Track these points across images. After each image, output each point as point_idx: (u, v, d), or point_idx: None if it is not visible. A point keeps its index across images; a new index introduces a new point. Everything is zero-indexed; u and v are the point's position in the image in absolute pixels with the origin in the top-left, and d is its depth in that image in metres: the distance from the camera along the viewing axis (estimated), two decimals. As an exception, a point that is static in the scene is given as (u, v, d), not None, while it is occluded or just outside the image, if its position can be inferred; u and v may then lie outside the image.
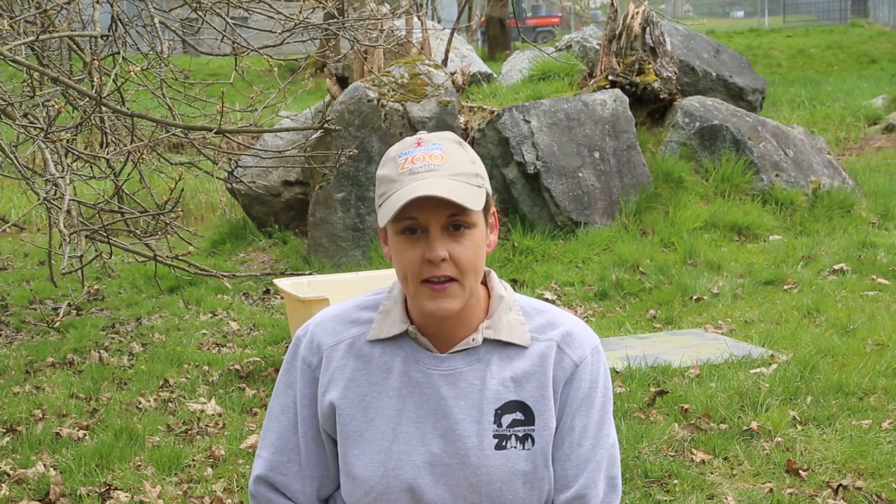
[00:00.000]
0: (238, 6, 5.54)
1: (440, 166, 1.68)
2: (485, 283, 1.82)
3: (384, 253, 1.80)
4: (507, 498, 1.72)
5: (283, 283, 5.43)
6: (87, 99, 4.71)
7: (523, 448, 1.73)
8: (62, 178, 3.99)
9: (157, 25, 4.90)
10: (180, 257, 4.90)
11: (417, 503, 1.73)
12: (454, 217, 1.67)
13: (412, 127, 7.76)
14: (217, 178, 6.78)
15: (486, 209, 1.73)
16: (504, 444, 1.72)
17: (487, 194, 1.73)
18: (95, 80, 4.23)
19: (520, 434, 1.73)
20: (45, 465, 4.21)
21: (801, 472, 3.77)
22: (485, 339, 1.77)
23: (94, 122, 5.14)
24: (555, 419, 1.75)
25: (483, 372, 1.75)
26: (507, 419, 1.73)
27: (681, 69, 9.23)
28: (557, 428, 1.76)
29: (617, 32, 8.81)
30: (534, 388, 1.75)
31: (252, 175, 8.52)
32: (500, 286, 1.82)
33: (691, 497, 3.65)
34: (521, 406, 1.74)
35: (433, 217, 1.66)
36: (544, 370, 1.76)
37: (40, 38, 4.31)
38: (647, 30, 8.79)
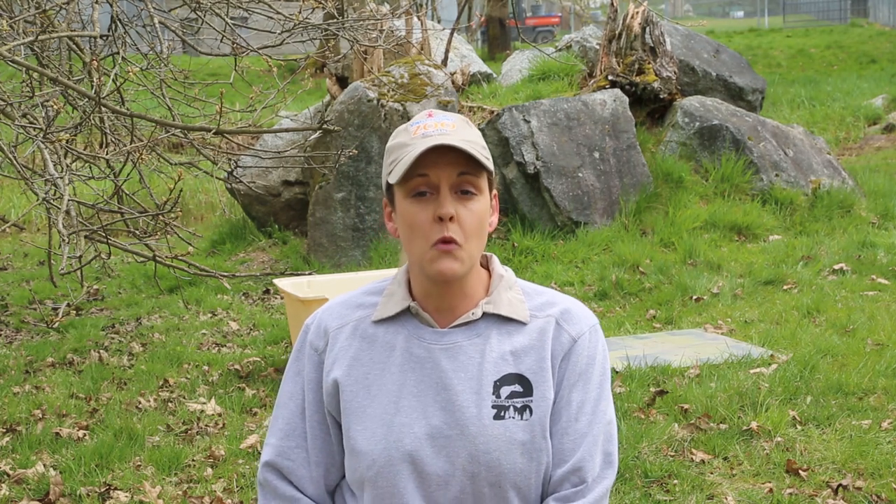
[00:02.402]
0: (238, 6, 5.54)
1: (452, 131, 1.75)
2: (486, 266, 1.89)
3: (389, 229, 1.86)
4: (506, 467, 1.75)
5: (282, 283, 5.43)
6: (87, 99, 4.71)
7: (521, 419, 1.77)
8: (61, 178, 4.00)
9: (157, 25, 4.90)
10: (180, 257, 4.90)
11: (419, 474, 1.76)
12: (463, 177, 1.74)
13: (412, 127, 7.75)
14: (217, 178, 6.78)
15: (490, 186, 1.81)
16: (502, 414, 1.76)
17: (492, 172, 1.80)
18: (95, 80, 4.23)
19: (518, 405, 1.77)
20: (44, 465, 4.21)
21: (800, 472, 3.77)
22: (484, 314, 1.82)
23: (93, 122, 5.14)
24: (552, 391, 1.79)
25: (482, 346, 1.80)
26: (505, 391, 1.78)
27: (680, 69, 9.23)
28: (555, 402, 1.80)
29: (617, 32, 8.81)
30: (532, 360, 1.80)
31: (252, 175, 8.52)
32: (500, 268, 1.89)
33: (691, 497, 3.65)
34: (519, 378, 1.79)
35: (444, 174, 1.73)
36: (543, 344, 1.81)
37: (39, 38, 4.31)
38: (647, 30, 8.79)
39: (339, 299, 1.93)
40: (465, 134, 1.76)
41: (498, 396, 1.77)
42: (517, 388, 1.78)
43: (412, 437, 1.76)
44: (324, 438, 1.86)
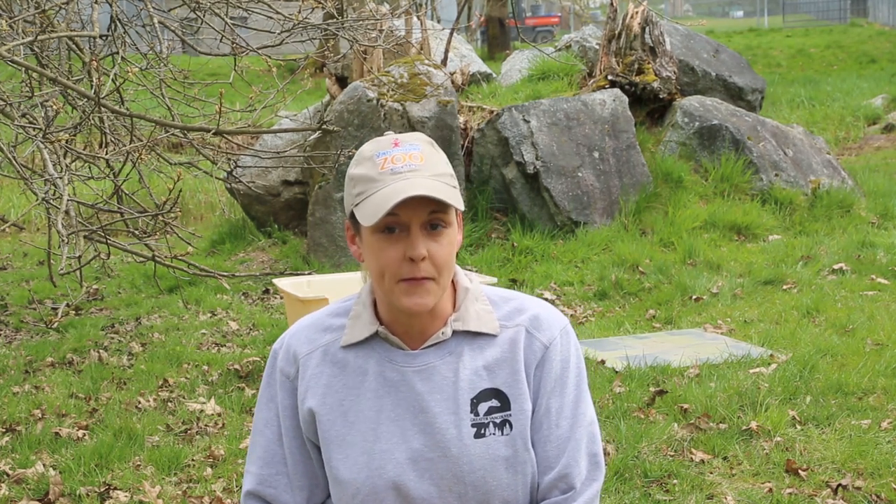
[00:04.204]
0: (237, 6, 5.54)
1: (421, 166, 1.70)
2: (451, 280, 1.85)
3: (352, 252, 1.82)
4: (492, 485, 1.74)
5: (282, 282, 5.43)
6: (86, 99, 4.71)
7: (502, 434, 1.75)
8: (61, 178, 4.00)
9: (157, 25, 4.90)
10: (179, 257, 4.90)
11: (404, 500, 1.75)
12: (434, 215, 1.70)
13: (412, 127, 7.76)
14: (216, 178, 6.78)
15: (456, 212, 1.78)
16: (483, 431, 1.75)
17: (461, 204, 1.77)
18: (94, 80, 4.23)
19: (497, 420, 1.76)
20: (44, 465, 4.20)
21: (800, 471, 3.77)
22: (454, 332, 1.79)
23: (93, 122, 5.14)
24: (530, 402, 1.78)
25: (455, 364, 1.77)
26: (483, 407, 1.76)
27: (680, 69, 9.23)
28: (534, 411, 1.78)
29: (616, 32, 8.81)
30: (506, 374, 1.78)
31: (251, 175, 8.52)
32: (464, 279, 1.85)
33: (691, 497, 3.65)
34: (495, 393, 1.77)
35: (415, 215, 1.69)
36: (515, 355, 1.78)
37: (39, 38, 4.31)
38: (647, 29, 8.79)
39: (304, 322, 1.89)
40: (434, 166, 1.71)
41: (476, 414, 1.75)
42: (494, 403, 1.76)
43: (394, 463, 1.74)
44: (305, 463, 1.84)
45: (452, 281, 1.84)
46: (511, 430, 1.75)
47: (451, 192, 1.70)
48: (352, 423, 1.78)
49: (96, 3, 4.47)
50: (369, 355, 1.80)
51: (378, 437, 1.76)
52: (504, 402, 1.76)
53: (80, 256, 4.30)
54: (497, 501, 1.75)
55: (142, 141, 4.87)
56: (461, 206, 1.71)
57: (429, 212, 1.69)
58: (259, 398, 1.89)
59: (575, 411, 1.79)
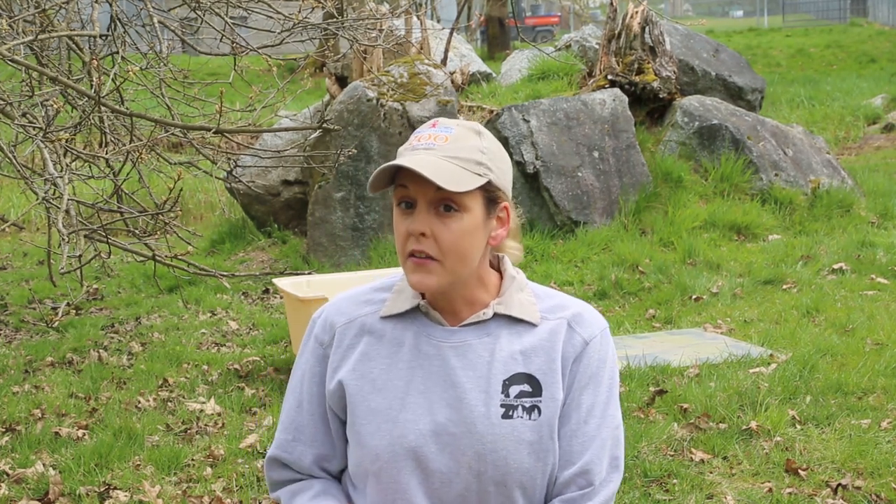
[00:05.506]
0: (237, 6, 5.54)
1: (440, 146, 1.72)
2: (498, 268, 1.87)
3: None
4: (512, 466, 1.76)
5: (282, 282, 5.43)
6: (86, 98, 4.70)
7: (529, 418, 1.77)
8: (61, 177, 3.99)
9: (157, 25, 4.90)
10: (179, 257, 4.89)
11: (423, 471, 1.77)
12: (442, 194, 1.71)
13: (411, 126, 7.76)
14: (216, 177, 6.77)
15: (492, 200, 1.77)
16: (511, 413, 1.76)
17: (494, 185, 1.75)
18: (94, 79, 4.22)
19: (527, 405, 1.77)
20: (44, 465, 4.21)
21: (800, 471, 3.77)
22: (495, 314, 1.82)
23: (93, 121, 5.13)
24: (562, 392, 1.79)
25: (492, 345, 1.80)
26: (514, 390, 1.78)
27: (680, 69, 9.23)
28: (565, 404, 1.80)
29: (616, 32, 8.81)
30: (542, 361, 1.79)
31: (251, 174, 8.51)
32: (512, 270, 1.87)
33: (690, 496, 3.65)
34: (528, 378, 1.78)
35: (420, 191, 1.72)
36: (553, 345, 1.80)
37: (39, 37, 4.31)
38: (647, 29, 8.79)
39: (346, 294, 1.92)
40: (456, 148, 1.72)
41: (507, 395, 1.77)
42: (526, 387, 1.78)
43: (416, 433, 1.76)
44: (324, 431, 1.87)
45: (500, 270, 1.86)
46: (539, 415, 1.77)
47: (454, 173, 1.69)
48: (380, 390, 1.80)
49: (96, 2, 4.47)
50: (407, 328, 1.82)
51: (404, 406, 1.78)
52: (536, 387, 1.78)
53: (80, 256, 4.29)
54: (514, 484, 1.76)
55: (142, 140, 4.87)
56: (453, 188, 1.68)
57: (434, 190, 1.70)
58: (294, 366, 1.93)
59: (605, 411, 1.81)
